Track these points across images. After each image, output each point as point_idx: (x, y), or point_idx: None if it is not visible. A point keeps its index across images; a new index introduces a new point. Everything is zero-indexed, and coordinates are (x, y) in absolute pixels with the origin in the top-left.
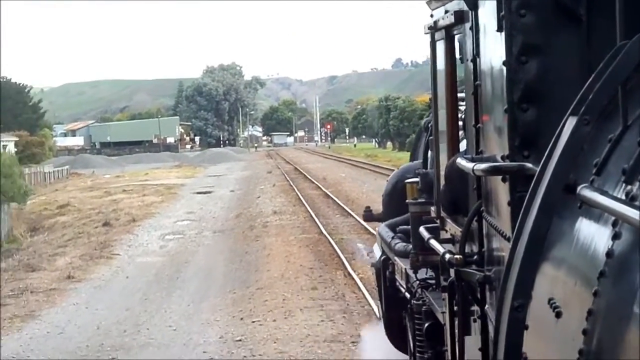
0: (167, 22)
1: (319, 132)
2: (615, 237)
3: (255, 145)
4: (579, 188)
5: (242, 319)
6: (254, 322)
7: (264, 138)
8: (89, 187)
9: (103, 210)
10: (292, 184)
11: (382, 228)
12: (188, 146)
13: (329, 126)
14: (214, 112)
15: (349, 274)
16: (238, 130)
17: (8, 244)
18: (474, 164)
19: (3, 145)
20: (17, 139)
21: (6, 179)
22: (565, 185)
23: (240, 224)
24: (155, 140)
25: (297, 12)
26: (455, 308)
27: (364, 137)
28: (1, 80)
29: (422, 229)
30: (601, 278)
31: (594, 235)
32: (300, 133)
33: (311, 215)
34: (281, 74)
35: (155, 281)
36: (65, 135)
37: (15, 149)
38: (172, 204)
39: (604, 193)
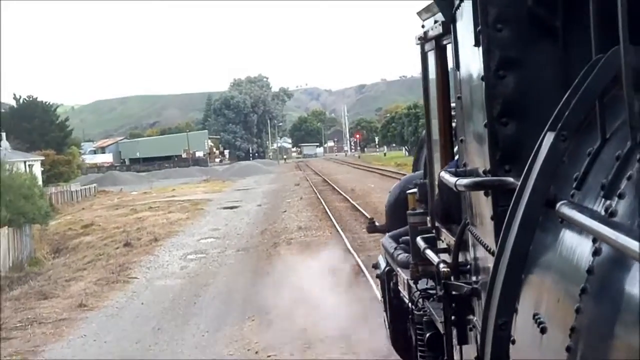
0: (194, 36)
1: (348, 142)
2: (596, 253)
3: (285, 156)
4: (558, 205)
5: (257, 352)
6: (269, 356)
7: (294, 149)
8: (115, 205)
9: (127, 229)
10: (319, 196)
11: (385, 239)
12: (217, 160)
13: (358, 135)
14: (242, 124)
15: (376, 296)
16: (267, 142)
17: (30, 266)
18: (456, 178)
19: (29, 165)
20: (43, 158)
21: (26, 200)
22: (545, 200)
23: (264, 241)
24: (184, 155)
25: (324, 22)
26: (453, 317)
27: (393, 145)
28: (27, 99)
29: (419, 239)
30: (583, 295)
31: (575, 251)
32: (330, 143)
33: (337, 230)
34: (310, 85)
35: (171, 307)
36: (94, 152)
37: (42, 168)
38: (198, 220)
39: (582, 210)
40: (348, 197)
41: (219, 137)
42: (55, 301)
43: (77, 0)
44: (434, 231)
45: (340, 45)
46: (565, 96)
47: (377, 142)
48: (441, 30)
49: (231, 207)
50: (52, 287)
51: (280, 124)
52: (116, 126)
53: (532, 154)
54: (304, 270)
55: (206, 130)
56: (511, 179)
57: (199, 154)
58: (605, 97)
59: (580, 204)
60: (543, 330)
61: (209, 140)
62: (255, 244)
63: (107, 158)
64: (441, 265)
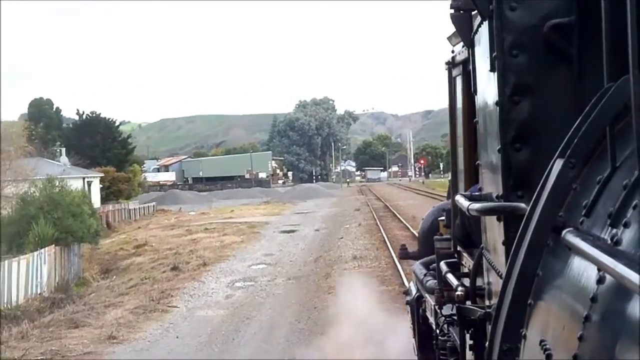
0: (262, 57)
1: (412, 167)
2: (600, 281)
3: (348, 180)
4: (563, 232)
5: None
6: None
7: (357, 173)
8: (172, 225)
9: (180, 251)
10: (378, 223)
11: (416, 266)
12: (280, 181)
13: (422, 161)
14: (306, 146)
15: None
16: (330, 165)
17: (77, 287)
18: (469, 203)
19: (87, 182)
20: (102, 174)
21: (75, 218)
22: (553, 226)
23: (316, 270)
24: (247, 176)
25: (392, 47)
26: (470, 342)
27: None
28: (90, 115)
29: (442, 264)
30: (586, 322)
31: (582, 278)
32: (394, 168)
33: (394, 262)
34: (376, 109)
35: (207, 343)
36: (158, 170)
37: (101, 185)
38: (252, 244)
39: (585, 238)
40: (408, 225)
41: (282, 158)
42: (85, 331)
43: (146, 21)
44: (456, 256)
45: (408, 70)
46: (576, 124)
47: (441, 168)
48: (467, 55)
49: (288, 231)
50: (87, 314)
51: (345, 147)
52: (182, 145)
53: (542, 181)
54: (354, 309)
55: (270, 152)
56: (523, 205)
57: (262, 175)
58: (616, 125)
59: (588, 231)
60: (548, 357)
61: (273, 162)
62: (307, 272)
63: (169, 176)
64: (459, 289)
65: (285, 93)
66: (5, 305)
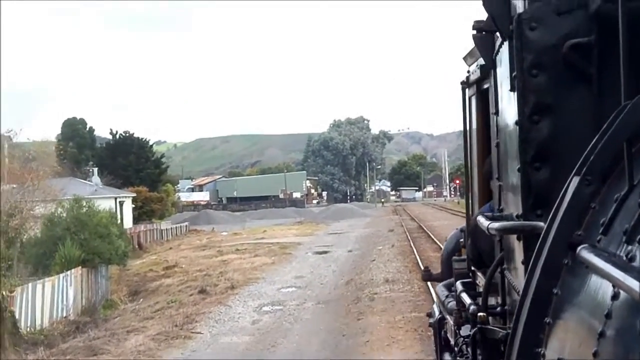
0: (297, 76)
1: (447, 187)
2: (614, 297)
3: (383, 200)
4: (578, 249)
5: None
6: None
7: (392, 192)
8: (203, 246)
9: (210, 273)
10: (412, 244)
11: (439, 287)
12: (314, 201)
13: (457, 181)
14: (340, 166)
15: None
16: (365, 184)
17: (105, 309)
18: (489, 222)
19: (120, 202)
20: (134, 194)
21: (102, 240)
22: (569, 244)
23: (347, 294)
24: (281, 196)
25: (428, 67)
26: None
27: None
28: (123, 134)
29: (458, 284)
30: (600, 338)
31: (598, 294)
32: (429, 188)
33: (427, 286)
34: (412, 128)
35: None
36: (192, 190)
37: (133, 205)
38: (283, 266)
39: (600, 255)
40: (442, 247)
41: (317, 178)
42: (103, 359)
43: (182, 43)
44: (470, 275)
45: (443, 90)
46: (593, 142)
47: None
48: (479, 75)
49: (320, 253)
50: (107, 341)
51: (379, 166)
52: (217, 164)
53: (559, 199)
54: (383, 337)
55: (304, 171)
56: (542, 224)
57: (296, 194)
58: (635, 143)
59: (604, 248)
60: None
61: (307, 181)
62: (337, 296)
63: (204, 196)
64: (471, 307)
65: (321, 113)
66: (28, 329)
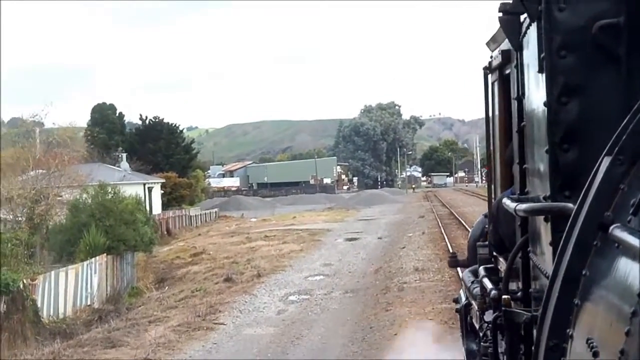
0: (328, 62)
1: (479, 173)
2: None
3: (414, 186)
4: (611, 228)
5: None
6: None
7: (423, 178)
8: (232, 232)
9: (237, 260)
10: (443, 231)
11: (465, 273)
12: (345, 187)
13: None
14: (371, 152)
15: None
16: (396, 170)
17: (130, 297)
18: (516, 204)
19: (148, 188)
20: (163, 180)
21: (127, 226)
22: (600, 224)
23: (375, 283)
24: (312, 181)
25: (458, 53)
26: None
27: None
28: (153, 120)
29: (481, 269)
30: (633, 318)
31: (629, 274)
32: (461, 174)
33: (458, 275)
34: (443, 114)
35: None
36: (223, 176)
37: (162, 191)
38: (311, 253)
39: (633, 233)
40: None
41: (347, 164)
42: (121, 351)
43: (215, 29)
44: (492, 260)
45: (475, 75)
46: (624, 122)
47: None
48: (501, 60)
49: (350, 239)
50: (127, 332)
51: (410, 152)
52: (248, 150)
53: (589, 179)
54: (412, 330)
55: (335, 157)
56: (570, 205)
57: (327, 180)
58: None
59: (636, 228)
60: (595, 355)
61: (338, 167)
62: (365, 285)
63: (234, 182)
64: (493, 292)
65: (352, 98)
66: (50, 318)
